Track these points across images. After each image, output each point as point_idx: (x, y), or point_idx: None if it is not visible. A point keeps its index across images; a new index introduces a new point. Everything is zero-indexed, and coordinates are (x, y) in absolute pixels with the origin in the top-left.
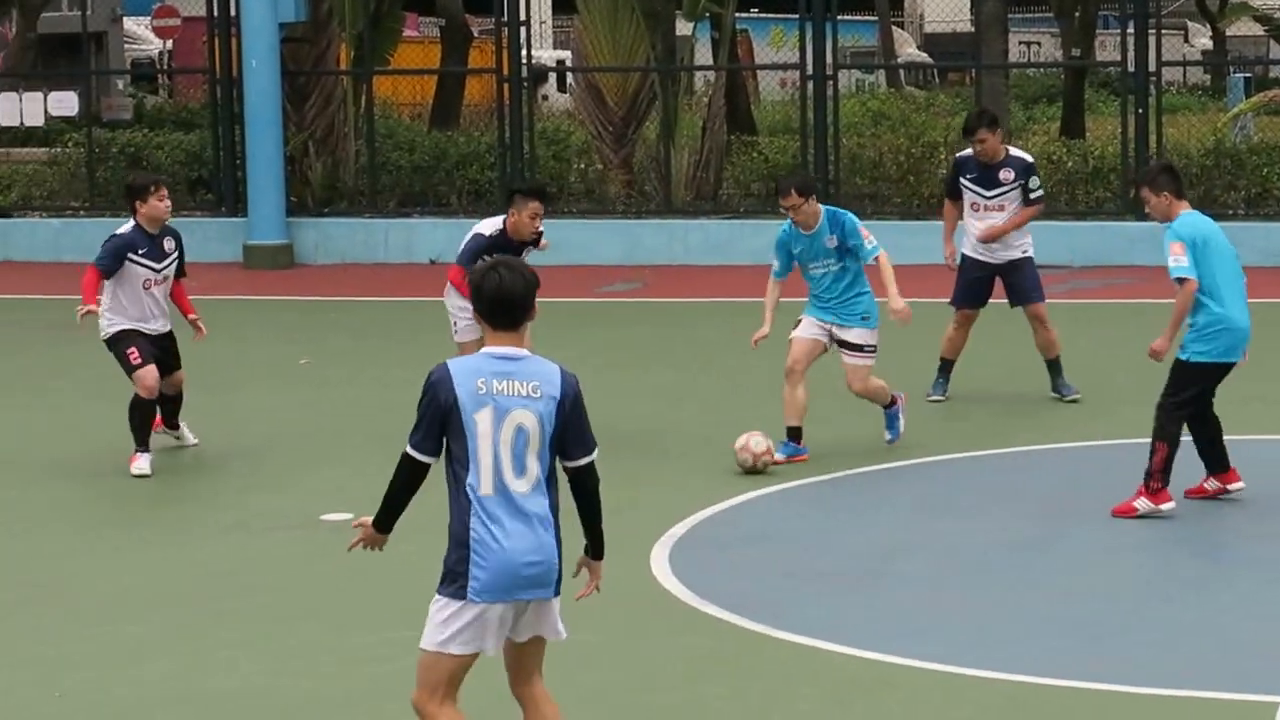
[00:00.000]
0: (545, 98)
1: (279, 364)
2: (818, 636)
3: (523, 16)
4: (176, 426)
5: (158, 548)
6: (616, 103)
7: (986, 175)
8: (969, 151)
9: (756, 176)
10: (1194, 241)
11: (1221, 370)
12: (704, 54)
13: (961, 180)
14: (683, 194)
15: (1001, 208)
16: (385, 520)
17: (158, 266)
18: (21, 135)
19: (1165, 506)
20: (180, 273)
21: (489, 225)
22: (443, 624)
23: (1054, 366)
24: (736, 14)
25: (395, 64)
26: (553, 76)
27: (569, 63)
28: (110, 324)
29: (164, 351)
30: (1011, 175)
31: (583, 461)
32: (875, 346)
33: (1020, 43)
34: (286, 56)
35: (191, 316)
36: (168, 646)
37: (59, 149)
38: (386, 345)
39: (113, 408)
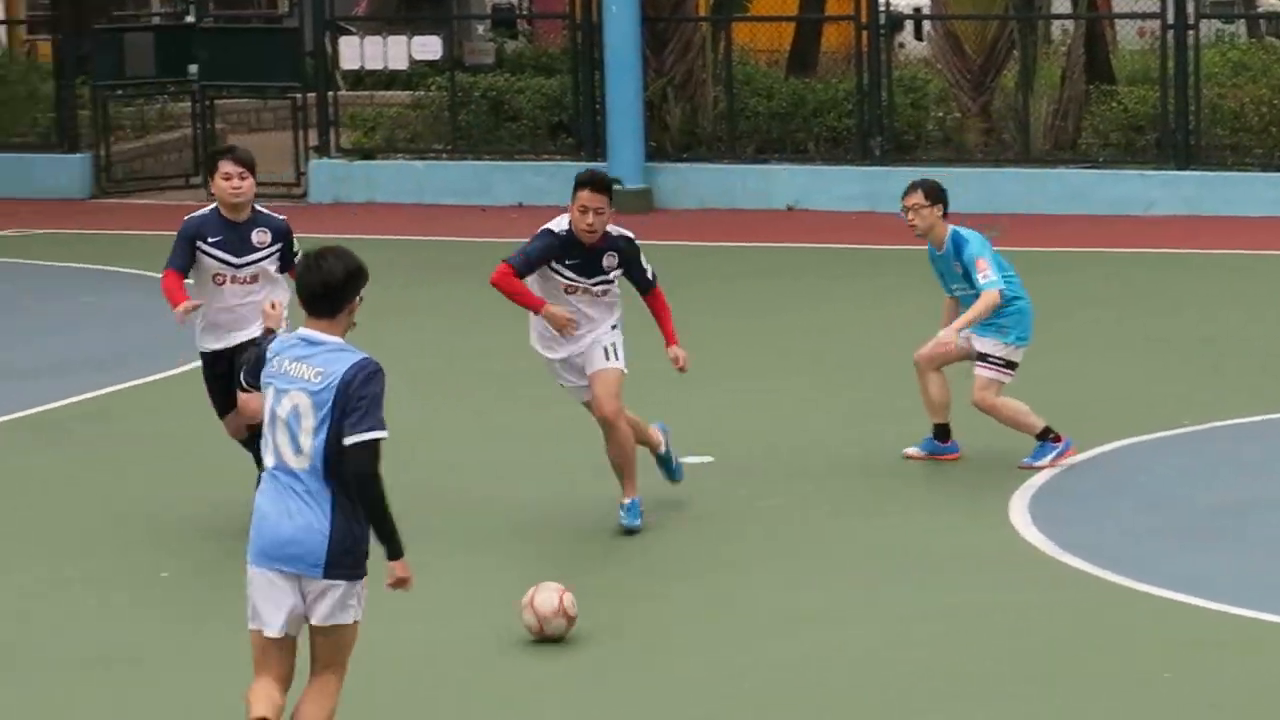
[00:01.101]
0: (902, 45)
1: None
2: (1182, 590)
3: None
4: None
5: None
6: (975, 51)
7: None
8: None
9: (1116, 126)
10: None
11: None
12: (1062, 2)
13: None
14: (1041, 143)
15: None
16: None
17: (236, 261)
18: (385, 79)
19: None
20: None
21: (561, 222)
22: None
23: None
24: None
25: (753, 10)
26: (910, 24)
27: (926, 10)
28: (200, 335)
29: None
30: None
31: (349, 440)
32: (1006, 362)
33: None
34: (646, 2)
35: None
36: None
37: (422, 92)
38: (749, 287)
39: (492, 338)
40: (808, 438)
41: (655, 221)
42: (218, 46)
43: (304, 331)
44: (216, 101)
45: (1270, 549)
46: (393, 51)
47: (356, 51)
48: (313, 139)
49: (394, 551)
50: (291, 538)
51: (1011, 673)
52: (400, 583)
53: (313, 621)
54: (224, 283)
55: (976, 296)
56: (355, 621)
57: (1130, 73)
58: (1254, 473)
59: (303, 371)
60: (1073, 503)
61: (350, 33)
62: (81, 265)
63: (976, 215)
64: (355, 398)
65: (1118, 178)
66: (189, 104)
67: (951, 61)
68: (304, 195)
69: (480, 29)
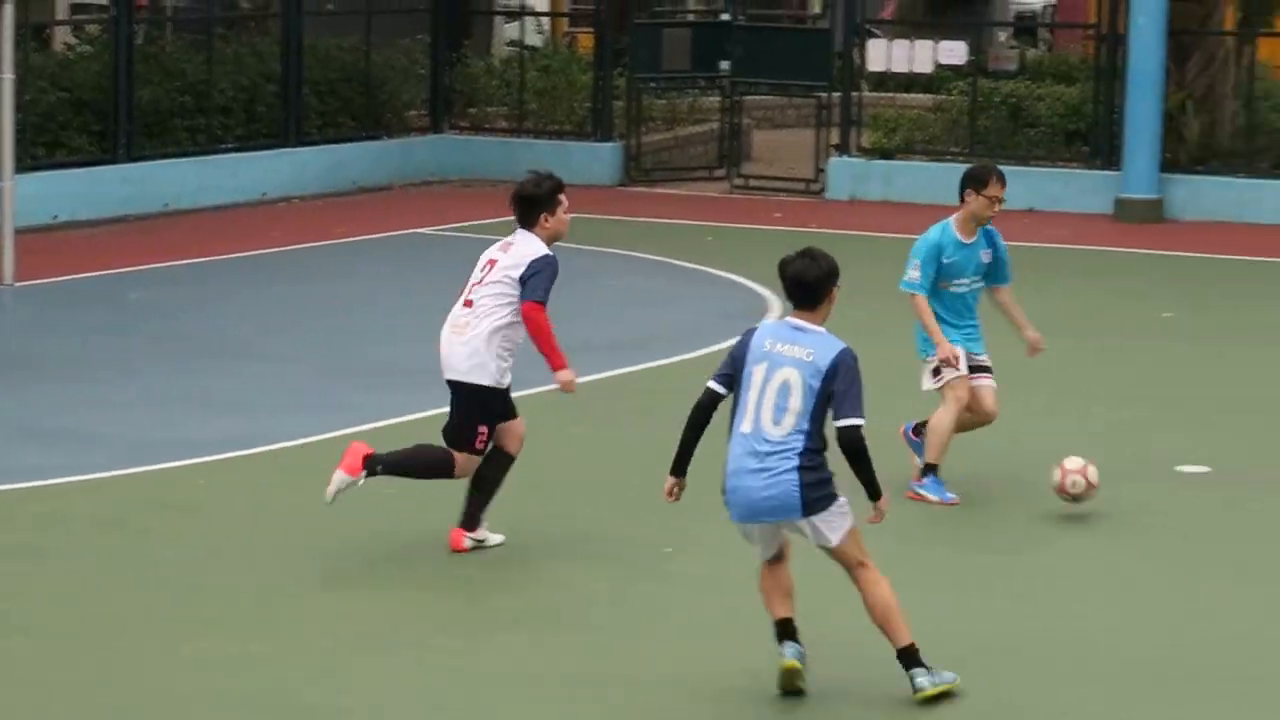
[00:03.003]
0: None
1: (1137, 318)
2: None
3: None
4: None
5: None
6: None
7: None
8: None
9: None
10: None
11: None
12: None
13: None
14: None
15: None
16: (676, 464)
17: None
18: (906, 81)
19: None
20: None
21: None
22: None
23: None
24: None
25: None
26: None
27: None
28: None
29: None
30: None
31: (843, 423)
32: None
33: None
34: (1173, 16)
35: None
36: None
37: (943, 96)
38: (1259, 305)
39: None
40: None
41: (1165, 231)
42: (751, 44)
43: (790, 319)
44: (744, 97)
45: None
46: (919, 55)
47: (884, 54)
48: (834, 137)
49: (873, 494)
50: (766, 501)
51: None
52: (878, 517)
53: (818, 546)
54: None
55: (978, 291)
56: (849, 530)
57: None
58: None
59: (794, 351)
60: None
61: (878, 36)
62: (607, 250)
63: None
64: (844, 381)
65: None
66: (717, 98)
67: None
68: (821, 191)
69: (1003, 36)
